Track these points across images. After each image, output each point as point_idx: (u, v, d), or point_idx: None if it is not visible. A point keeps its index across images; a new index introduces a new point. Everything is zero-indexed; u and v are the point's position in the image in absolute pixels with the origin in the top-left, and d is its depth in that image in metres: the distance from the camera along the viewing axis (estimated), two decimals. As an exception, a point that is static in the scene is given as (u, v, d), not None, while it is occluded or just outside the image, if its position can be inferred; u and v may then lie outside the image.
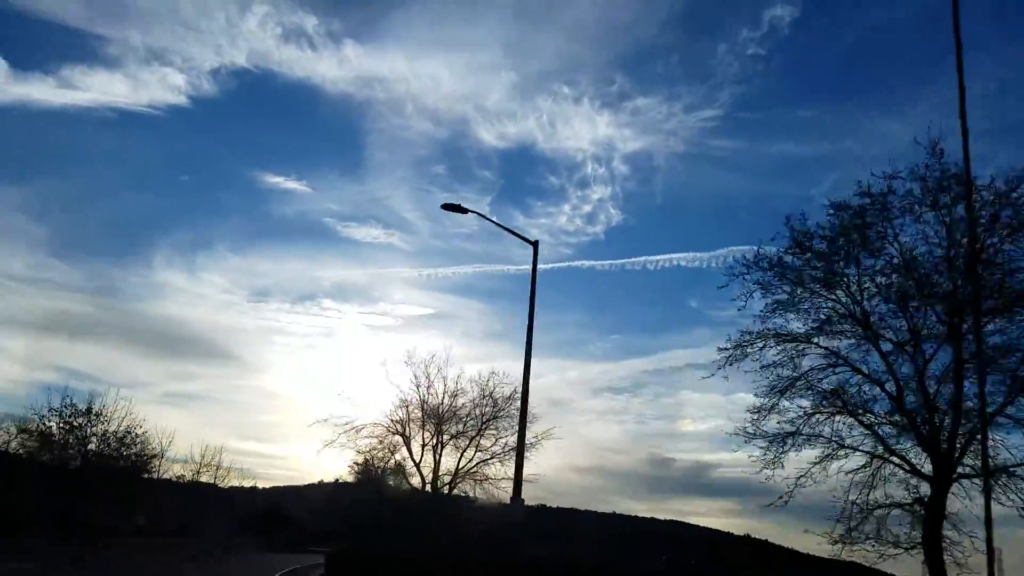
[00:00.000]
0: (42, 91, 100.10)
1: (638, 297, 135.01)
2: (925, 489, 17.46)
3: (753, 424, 18.93)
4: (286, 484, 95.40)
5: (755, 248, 18.76)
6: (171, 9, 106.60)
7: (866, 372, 18.16)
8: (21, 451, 37.80)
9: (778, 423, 18.78)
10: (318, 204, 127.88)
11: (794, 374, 18.59)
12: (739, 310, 18.76)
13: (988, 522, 9.25)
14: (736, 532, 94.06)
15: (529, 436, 33.64)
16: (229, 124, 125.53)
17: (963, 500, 17.10)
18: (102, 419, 38.88)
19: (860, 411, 18.27)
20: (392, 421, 36.04)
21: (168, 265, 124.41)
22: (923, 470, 17.39)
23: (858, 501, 18.07)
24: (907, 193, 16.76)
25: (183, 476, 50.20)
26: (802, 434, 18.58)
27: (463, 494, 36.45)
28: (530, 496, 35.59)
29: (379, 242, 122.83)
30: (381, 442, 35.85)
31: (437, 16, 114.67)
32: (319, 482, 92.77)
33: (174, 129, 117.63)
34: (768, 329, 18.71)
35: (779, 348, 18.70)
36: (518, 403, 34.14)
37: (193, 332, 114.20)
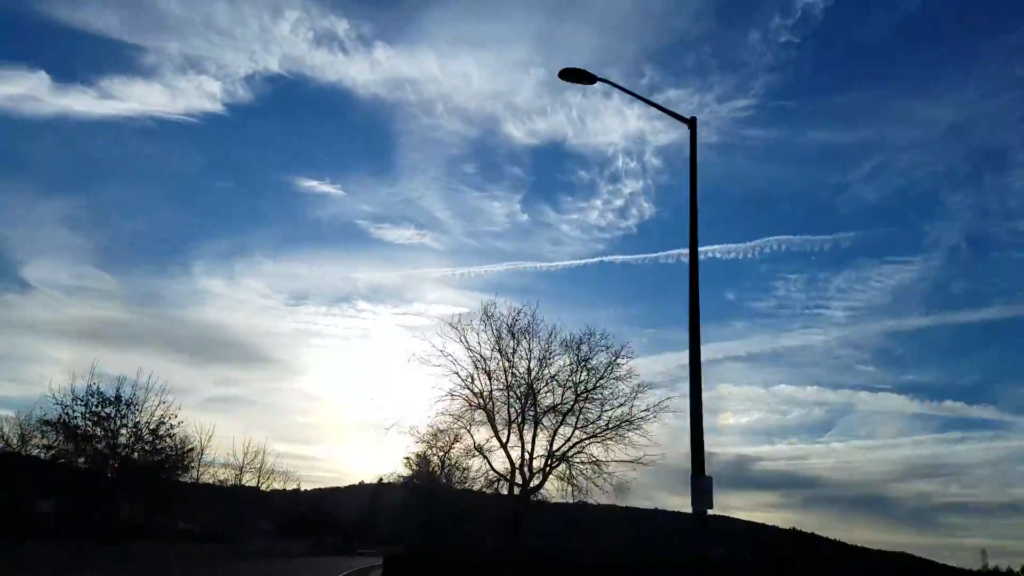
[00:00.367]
0: (83, 103, 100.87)
1: (673, 291, 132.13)
2: None
3: None
4: (327, 486, 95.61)
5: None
6: (205, 17, 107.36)
7: None
8: (44, 454, 35.41)
9: None
10: (351, 206, 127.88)
11: None
12: None
13: None
14: (782, 525, 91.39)
15: (640, 406, 29.17)
16: (263, 130, 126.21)
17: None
18: (133, 409, 35.32)
19: None
20: (473, 393, 30.44)
21: (207, 272, 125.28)
22: None
23: None
24: None
25: (226, 480, 49.45)
26: None
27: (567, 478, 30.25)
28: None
29: (412, 243, 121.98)
30: (458, 420, 30.64)
31: (466, 14, 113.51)
32: (360, 483, 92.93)
33: (210, 136, 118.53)
34: None
35: None
36: (621, 370, 29.65)
37: (233, 337, 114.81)
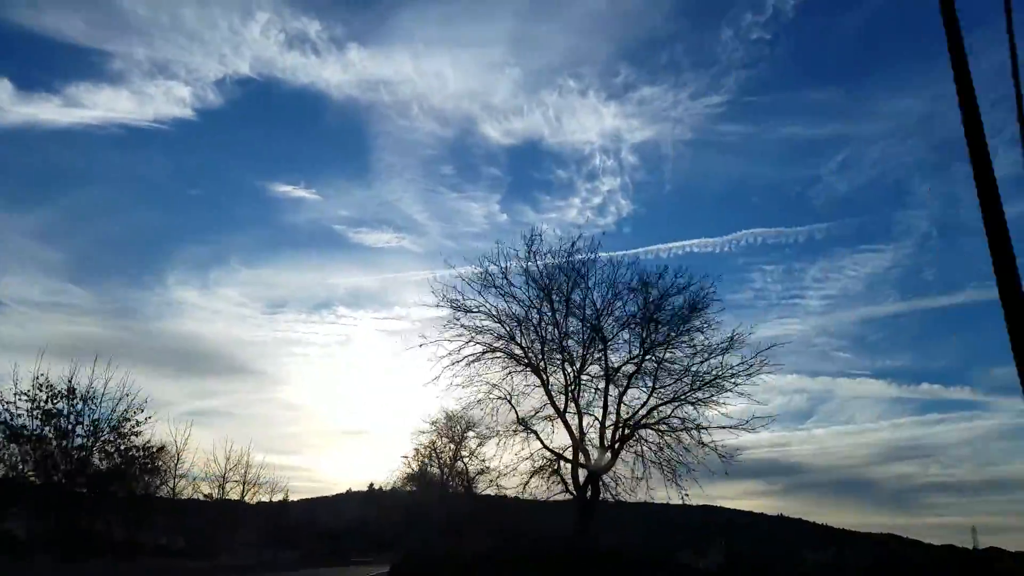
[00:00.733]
0: (48, 111, 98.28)
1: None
2: None
3: None
4: (317, 495, 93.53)
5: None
6: (174, 20, 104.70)
7: None
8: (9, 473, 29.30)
9: None
10: (328, 211, 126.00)
11: None
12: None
13: None
14: (769, 512, 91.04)
15: (733, 361, 23.44)
16: (235, 134, 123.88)
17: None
18: (90, 404, 30.14)
19: None
20: (520, 347, 24.31)
21: (182, 282, 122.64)
22: None
23: None
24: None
25: (211, 495, 47.53)
26: None
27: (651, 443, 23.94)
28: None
29: (391, 246, 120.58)
30: (492, 391, 24.64)
31: (441, 16, 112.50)
32: (348, 491, 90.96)
33: (181, 142, 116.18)
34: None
35: None
36: (708, 316, 23.85)
37: (211, 348, 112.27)
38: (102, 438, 30.55)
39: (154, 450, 33.64)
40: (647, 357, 24.50)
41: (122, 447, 31.13)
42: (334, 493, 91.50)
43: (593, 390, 25.21)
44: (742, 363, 23.33)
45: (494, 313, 24.81)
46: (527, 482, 25.06)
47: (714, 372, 23.72)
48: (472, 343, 24.59)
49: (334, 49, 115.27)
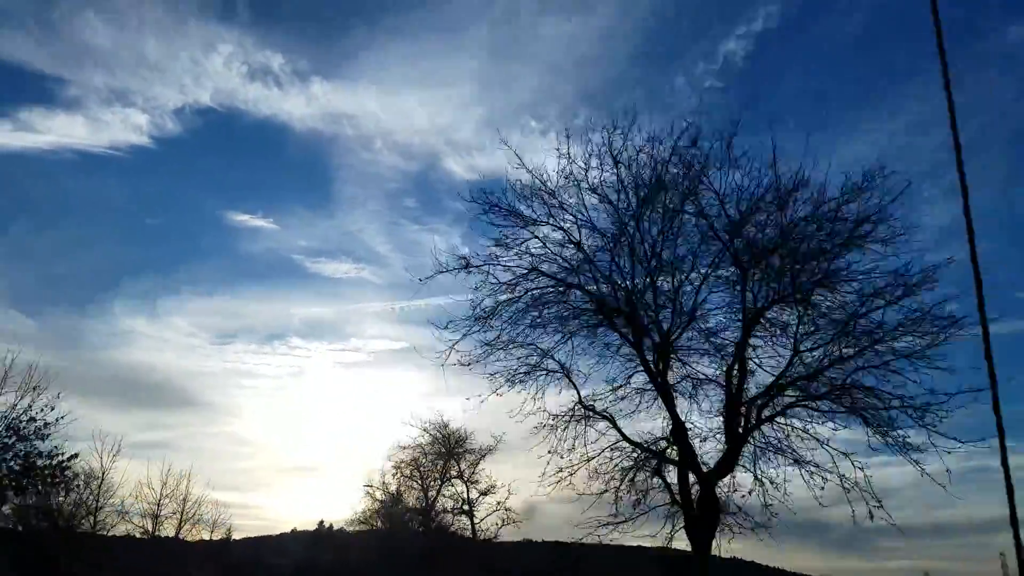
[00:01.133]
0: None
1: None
2: None
3: None
4: (259, 534, 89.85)
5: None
6: (134, 50, 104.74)
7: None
8: None
9: None
10: (286, 241, 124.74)
11: None
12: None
13: None
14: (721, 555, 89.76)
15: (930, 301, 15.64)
16: (194, 163, 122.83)
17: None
18: None
19: None
20: (597, 279, 17.39)
21: (130, 310, 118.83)
22: None
23: None
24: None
25: (147, 532, 44.65)
26: None
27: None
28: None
29: (350, 277, 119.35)
30: (543, 360, 17.54)
31: (407, 53, 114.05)
32: (292, 531, 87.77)
33: (136, 170, 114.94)
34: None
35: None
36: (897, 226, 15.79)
37: (158, 379, 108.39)
38: None
39: (63, 457, 25.69)
40: (810, 296, 16.45)
41: (22, 452, 24.35)
42: (278, 532, 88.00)
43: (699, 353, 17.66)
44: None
45: (572, 224, 17.35)
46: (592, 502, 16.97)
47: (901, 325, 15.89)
48: (530, 277, 17.54)
49: (297, 82, 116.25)
